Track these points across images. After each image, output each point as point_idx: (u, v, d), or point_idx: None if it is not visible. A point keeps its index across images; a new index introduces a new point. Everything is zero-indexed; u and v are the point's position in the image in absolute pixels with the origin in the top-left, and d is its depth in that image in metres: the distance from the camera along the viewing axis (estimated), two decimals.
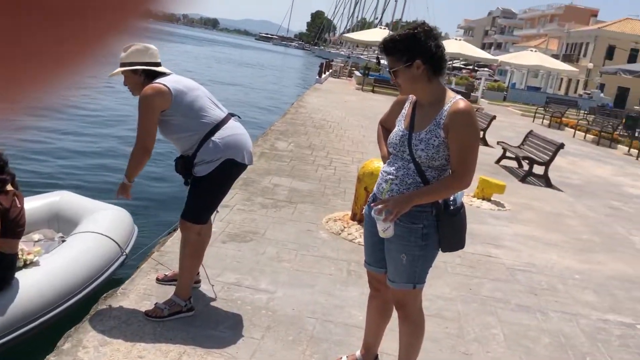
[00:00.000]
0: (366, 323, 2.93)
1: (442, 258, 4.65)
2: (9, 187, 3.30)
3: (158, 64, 3.24)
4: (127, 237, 4.50)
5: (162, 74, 3.23)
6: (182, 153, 3.27)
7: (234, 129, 3.30)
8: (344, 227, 5.17)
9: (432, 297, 3.94)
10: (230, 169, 3.27)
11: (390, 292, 2.64)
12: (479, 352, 3.30)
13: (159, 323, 3.10)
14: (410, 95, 2.62)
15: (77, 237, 4.15)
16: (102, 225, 4.31)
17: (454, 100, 2.44)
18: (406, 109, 2.62)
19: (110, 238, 4.22)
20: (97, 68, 0.34)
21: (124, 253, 4.33)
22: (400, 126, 2.58)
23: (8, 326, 3.18)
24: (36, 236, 4.40)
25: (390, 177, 2.53)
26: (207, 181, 3.20)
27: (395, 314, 2.74)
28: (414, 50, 2.38)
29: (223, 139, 3.19)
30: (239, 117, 3.47)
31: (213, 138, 3.17)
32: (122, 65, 3.17)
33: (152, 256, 4.09)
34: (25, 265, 3.58)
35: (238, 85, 27.24)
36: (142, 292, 3.45)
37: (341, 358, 2.94)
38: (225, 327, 3.15)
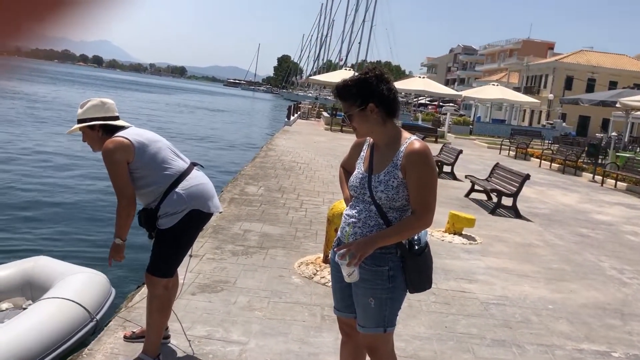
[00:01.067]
0: None
1: (417, 296, 4.63)
2: None
3: (116, 118, 3.22)
4: (99, 301, 4.25)
5: (121, 128, 3.21)
6: (145, 206, 3.22)
7: (197, 179, 3.27)
8: (317, 271, 5.12)
9: (408, 337, 3.89)
10: (196, 220, 3.23)
11: (361, 337, 2.60)
12: None
13: None
14: (367, 138, 2.65)
15: (40, 304, 3.92)
16: (70, 290, 4.08)
17: (410, 141, 2.47)
18: (364, 151, 2.64)
19: (77, 303, 3.98)
20: None
21: (94, 319, 4.07)
22: (359, 168, 2.60)
23: None
24: (4, 305, 4.24)
25: (353, 220, 2.53)
26: (172, 233, 3.15)
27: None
28: (367, 94, 2.42)
29: (187, 189, 3.16)
30: (201, 166, 3.45)
31: (177, 189, 3.13)
32: (80, 121, 3.15)
33: (119, 313, 3.97)
34: None
35: (207, 132, 27.26)
36: (109, 352, 3.33)
37: None
38: None
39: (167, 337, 3.51)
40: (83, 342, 3.84)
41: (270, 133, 25.93)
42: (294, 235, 6.50)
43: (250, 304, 4.28)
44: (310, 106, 36.97)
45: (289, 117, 27.18)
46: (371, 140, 2.61)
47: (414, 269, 2.48)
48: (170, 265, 3.25)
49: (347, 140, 20.59)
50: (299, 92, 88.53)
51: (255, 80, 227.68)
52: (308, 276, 5.04)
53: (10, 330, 3.49)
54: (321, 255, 5.50)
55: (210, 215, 3.32)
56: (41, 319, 3.67)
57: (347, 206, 2.68)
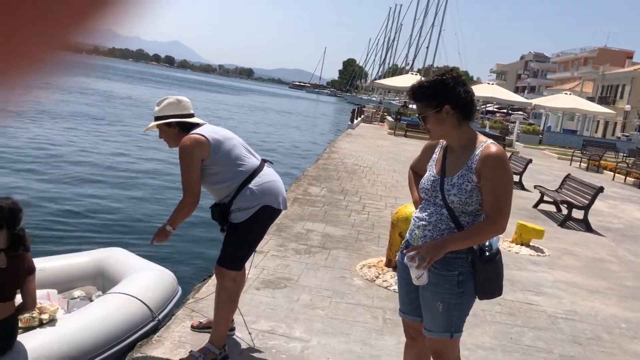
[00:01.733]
0: None
1: (481, 306, 4.53)
2: (1, 245, 3.04)
3: (191, 115, 3.32)
4: (163, 301, 4.28)
5: (196, 125, 3.31)
6: (218, 201, 3.31)
7: (269, 176, 3.34)
8: (379, 274, 5.10)
9: (472, 346, 3.82)
10: (266, 216, 3.29)
11: (427, 341, 2.58)
12: None
13: None
14: (440, 140, 2.62)
15: (107, 298, 4.01)
16: (137, 287, 4.14)
17: (486, 144, 2.43)
18: (437, 153, 2.61)
19: (141, 301, 4.02)
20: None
21: (156, 318, 4.10)
22: (431, 171, 2.57)
23: None
24: (76, 293, 4.38)
25: (423, 223, 2.51)
26: (243, 228, 3.22)
27: None
28: (443, 96, 2.40)
29: (259, 186, 3.23)
30: (271, 162, 3.52)
31: (250, 185, 3.21)
32: (157, 119, 3.26)
33: (186, 303, 4.10)
34: (41, 324, 3.50)
35: (272, 133, 27.69)
36: (176, 340, 3.45)
37: None
38: None
39: (232, 329, 3.59)
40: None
41: (333, 136, 26.05)
42: (356, 238, 6.50)
43: (312, 302, 4.32)
44: (374, 110, 36.86)
45: (352, 120, 27.20)
46: (444, 142, 2.59)
47: (484, 276, 2.44)
48: (240, 258, 3.33)
49: (411, 145, 20.44)
50: (362, 96, 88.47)
51: (320, 83, 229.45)
52: (370, 279, 5.02)
53: (76, 321, 3.62)
54: (383, 259, 5.48)
55: (279, 211, 3.37)
56: (105, 314, 3.76)
57: (416, 209, 2.66)
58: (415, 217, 2.57)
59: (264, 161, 3.44)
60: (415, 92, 2.48)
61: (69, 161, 12.18)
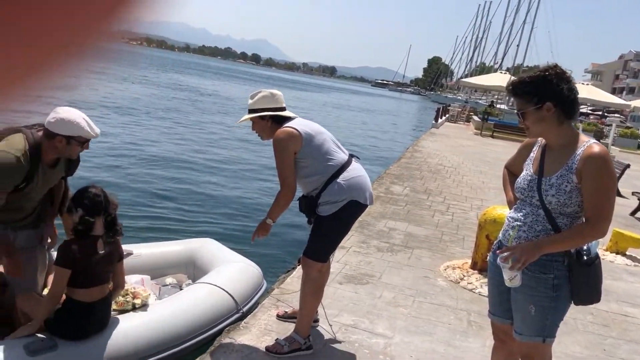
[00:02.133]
0: None
1: (572, 314, 4.33)
2: (98, 232, 3.16)
3: (283, 109, 3.41)
4: (248, 294, 4.32)
5: (288, 118, 3.39)
6: (306, 194, 3.38)
7: (356, 171, 3.36)
8: (464, 276, 5.01)
9: (562, 354, 3.67)
10: (353, 210, 3.32)
11: (517, 345, 2.51)
12: None
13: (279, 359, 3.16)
14: (539, 139, 2.53)
15: (195, 287, 4.13)
16: (225, 279, 4.22)
17: (588, 144, 2.33)
18: (534, 152, 2.53)
19: (226, 292, 4.09)
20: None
21: (241, 310, 4.13)
22: (528, 170, 2.50)
23: None
24: (168, 280, 4.57)
25: (518, 223, 2.44)
26: (330, 221, 3.27)
27: None
28: (545, 93, 2.31)
29: (347, 180, 3.26)
30: (358, 157, 3.54)
31: (338, 180, 3.24)
32: (251, 111, 3.37)
33: (271, 293, 4.22)
34: (134, 308, 3.68)
35: (353, 130, 27.75)
36: (263, 327, 3.56)
37: None
38: None
39: (317, 320, 3.66)
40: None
41: (416, 135, 25.72)
42: (439, 238, 6.41)
43: (395, 300, 4.31)
44: (460, 109, 36.02)
45: (436, 120, 26.73)
46: (543, 141, 2.50)
47: (581, 280, 2.34)
48: (326, 250, 3.38)
49: (498, 146, 19.80)
50: (447, 95, 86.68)
51: (403, 81, 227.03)
52: (454, 280, 4.94)
53: (166, 308, 3.76)
54: (469, 261, 5.37)
55: (365, 206, 3.38)
56: (193, 303, 3.87)
57: (510, 209, 2.59)
58: (510, 217, 2.51)
59: (351, 156, 3.48)
60: (516, 87, 2.41)
61: (165, 155, 12.79)
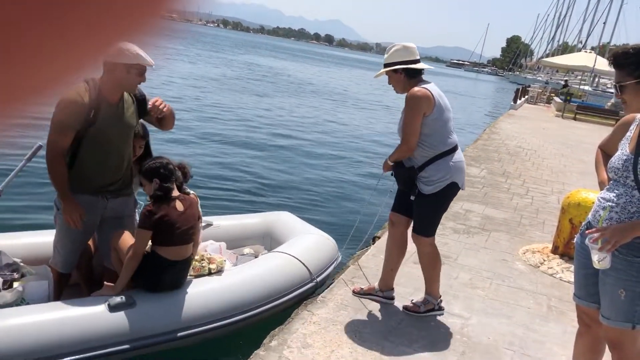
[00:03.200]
0: (575, 355, 2.72)
1: None
2: (175, 193, 3.39)
3: (417, 61, 3.46)
4: (322, 264, 4.35)
5: (420, 72, 3.48)
6: (406, 164, 3.41)
7: (460, 156, 3.50)
8: (544, 260, 4.86)
9: None
10: (452, 192, 3.45)
11: (604, 330, 2.42)
12: None
13: (355, 334, 3.22)
14: (637, 116, 2.41)
15: (270, 256, 4.24)
16: (299, 249, 4.30)
17: None
18: (632, 131, 2.41)
19: (301, 262, 4.15)
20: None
21: (314, 280, 4.17)
22: (624, 149, 2.38)
23: (175, 325, 3.35)
24: (246, 250, 4.72)
25: (610, 204, 2.34)
26: (432, 199, 3.41)
27: (608, 354, 2.50)
28: None
29: (455, 163, 3.39)
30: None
31: (447, 159, 3.35)
32: (385, 66, 3.46)
33: (347, 270, 4.27)
34: (210, 273, 3.83)
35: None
36: (339, 302, 3.62)
37: None
38: (420, 347, 3.16)
39: (392, 298, 3.69)
40: (304, 299, 4.01)
41: (493, 116, 24.93)
42: (518, 222, 6.24)
43: (472, 282, 4.25)
44: (540, 90, 34.54)
45: (515, 101, 25.79)
46: None
47: None
48: (433, 226, 3.55)
49: (581, 129, 18.91)
50: (527, 75, 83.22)
51: (480, 61, 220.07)
52: (534, 264, 4.81)
53: (240, 273, 3.89)
54: (549, 245, 5.20)
55: (458, 191, 3.48)
56: (267, 270, 3.97)
57: (601, 190, 2.50)
58: (601, 197, 2.41)
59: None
60: (618, 58, 2.30)
61: (246, 134, 13.12)
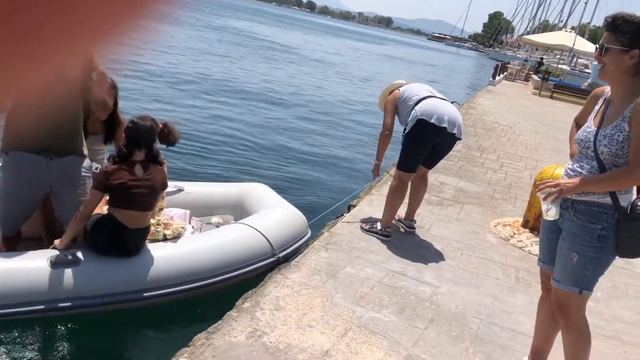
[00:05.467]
0: (535, 327, 2.82)
1: (624, 279, 4.28)
2: (138, 158, 3.34)
3: None
4: (287, 240, 4.28)
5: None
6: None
7: (432, 101, 4.21)
8: (514, 234, 4.96)
9: (610, 317, 3.64)
10: (421, 127, 4.09)
11: (553, 293, 2.51)
12: None
13: (327, 298, 3.26)
14: (605, 90, 2.47)
15: (231, 227, 4.17)
16: (264, 222, 4.21)
17: None
18: (599, 105, 2.49)
19: (263, 235, 4.08)
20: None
21: (276, 255, 4.12)
22: (589, 122, 2.48)
23: (127, 287, 3.35)
24: (214, 219, 4.63)
25: (574, 174, 2.42)
26: (405, 137, 4.22)
27: None
28: (638, 40, 2.24)
29: (420, 106, 4.16)
30: (455, 102, 4.50)
31: (416, 107, 4.18)
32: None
33: (322, 236, 4.30)
34: (165, 239, 3.78)
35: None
36: (312, 267, 3.65)
37: None
38: (390, 312, 3.22)
39: (389, 235, 4.38)
40: (264, 273, 3.85)
41: (472, 92, 25.05)
42: (491, 196, 6.33)
43: (443, 252, 4.33)
44: (519, 67, 34.72)
45: (494, 77, 25.90)
46: (608, 94, 2.45)
47: (628, 234, 2.31)
48: (403, 161, 4.30)
49: (557, 107, 19.13)
50: (507, 52, 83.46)
51: (461, 36, 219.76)
52: (504, 237, 4.91)
53: (196, 242, 3.83)
54: (520, 219, 5.30)
55: (438, 128, 4.06)
56: (225, 241, 3.90)
57: (570, 161, 2.57)
58: (568, 168, 2.50)
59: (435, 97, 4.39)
60: (614, 22, 2.31)
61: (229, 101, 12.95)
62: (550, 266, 2.60)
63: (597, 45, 2.37)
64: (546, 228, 2.60)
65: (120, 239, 3.33)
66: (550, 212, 2.41)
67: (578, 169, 2.42)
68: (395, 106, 4.42)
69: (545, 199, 2.39)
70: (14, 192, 3.29)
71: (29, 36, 0.26)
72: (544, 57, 39.12)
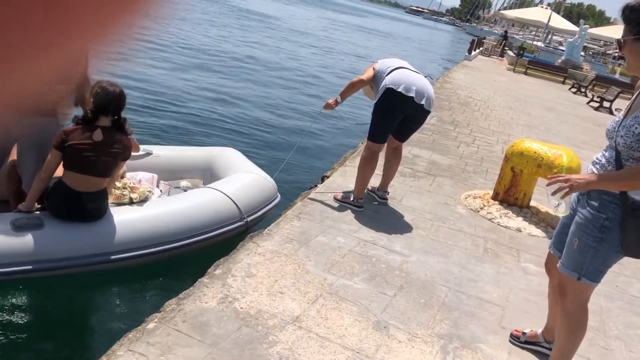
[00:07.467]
0: (549, 302, 2.88)
1: None
2: (102, 123, 3.33)
3: None
4: (256, 204, 4.29)
5: None
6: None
7: (401, 72, 4.24)
8: (484, 206, 5.05)
9: None
10: (389, 96, 4.12)
11: (557, 275, 2.55)
12: (621, 349, 3.11)
13: (299, 266, 3.29)
14: None
15: (199, 191, 4.13)
16: (232, 186, 4.18)
17: None
18: (635, 94, 2.41)
19: (231, 199, 4.06)
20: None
21: (244, 219, 4.11)
22: (619, 112, 2.44)
23: (91, 250, 3.35)
24: (183, 183, 4.60)
25: (595, 161, 2.43)
26: (376, 106, 4.24)
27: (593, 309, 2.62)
28: None
29: (390, 76, 4.19)
30: (428, 76, 4.55)
31: (386, 77, 4.21)
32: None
33: (295, 206, 4.32)
34: (131, 202, 3.77)
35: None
36: (285, 236, 3.67)
37: (523, 331, 2.93)
38: (360, 280, 3.26)
39: (361, 206, 4.42)
40: (235, 239, 3.92)
41: (447, 66, 25.11)
42: (463, 169, 6.41)
43: (414, 222, 4.39)
44: (495, 43, 34.87)
45: (469, 52, 25.97)
46: None
47: (633, 230, 2.27)
48: (372, 131, 4.31)
49: (531, 83, 19.34)
50: (483, 27, 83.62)
51: (439, 10, 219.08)
52: (474, 209, 4.99)
53: (163, 205, 3.80)
54: (490, 192, 5.39)
55: (406, 97, 4.08)
56: (192, 204, 3.88)
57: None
58: (594, 157, 2.48)
59: (405, 68, 4.44)
60: (623, 13, 2.27)
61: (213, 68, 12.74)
62: (555, 250, 2.66)
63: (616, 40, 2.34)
64: (564, 217, 2.61)
65: (74, 203, 3.31)
66: (560, 208, 2.38)
67: (600, 158, 2.40)
68: (374, 74, 4.40)
69: (554, 193, 2.34)
70: None
71: (26, 37, 0.26)
72: (505, 29, 39.19)
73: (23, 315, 3.08)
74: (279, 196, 4.66)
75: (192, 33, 17.87)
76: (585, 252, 2.35)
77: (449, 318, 3.05)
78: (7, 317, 3.03)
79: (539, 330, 2.91)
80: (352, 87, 4.43)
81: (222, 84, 11.34)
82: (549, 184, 2.37)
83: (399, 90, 4.09)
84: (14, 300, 3.13)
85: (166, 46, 14.03)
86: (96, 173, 3.35)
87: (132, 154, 3.62)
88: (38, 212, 3.33)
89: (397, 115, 4.24)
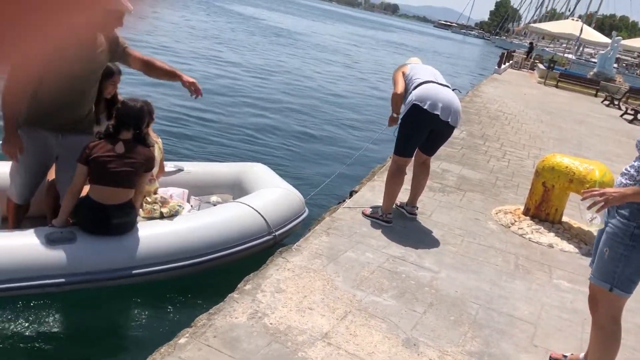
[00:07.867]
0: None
1: None
2: (124, 137, 3.40)
3: None
4: (284, 219, 4.31)
5: None
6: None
7: (429, 87, 4.19)
8: (515, 221, 4.98)
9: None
10: (416, 113, 4.12)
11: (590, 287, 2.51)
12: None
13: (328, 282, 3.30)
14: None
15: (228, 205, 4.19)
16: (260, 201, 4.23)
17: None
18: None
19: (259, 214, 4.10)
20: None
21: (273, 233, 4.14)
22: None
23: (121, 264, 3.40)
24: (213, 198, 4.68)
25: (625, 171, 2.41)
26: (402, 120, 4.26)
27: (625, 325, 2.57)
28: None
29: (417, 91, 4.17)
30: (456, 89, 4.55)
31: (414, 90, 4.19)
32: None
33: (323, 221, 4.33)
34: (162, 217, 3.83)
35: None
36: (314, 251, 3.69)
37: (563, 354, 2.85)
38: (389, 296, 3.25)
39: (390, 222, 4.40)
40: (263, 253, 3.95)
41: (477, 79, 24.93)
42: (493, 183, 6.35)
43: (443, 238, 4.36)
44: (525, 56, 34.49)
45: (499, 65, 25.72)
46: None
47: None
48: (398, 146, 4.33)
49: (562, 96, 19.04)
50: (513, 40, 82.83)
51: (468, 24, 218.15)
52: (505, 224, 4.93)
53: (193, 219, 3.87)
54: (521, 207, 5.32)
55: (431, 114, 4.09)
56: (222, 219, 3.92)
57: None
58: (626, 167, 2.47)
59: (443, 85, 4.43)
60: None
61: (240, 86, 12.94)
62: (592, 262, 2.61)
63: None
64: (600, 231, 2.58)
65: (99, 217, 3.38)
66: (595, 222, 2.36)
67: (627, 169, 2.38)
68: (404, 79, 4.41)
69: (589, 207, 2.33)
70: (26, 160, 3.41)
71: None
72: (531, 41, 38.73)
73: (55, 329, 3.15)
74: (307, 210, 4.69)
75: (224, 51, 18.16)
76: (616, 262, 2.32)
77: (479, 336, 3.01)
78: (40, 330, 3.10)
79: (581, 355, 2.84)
80: (396, 101, 4.42)
81: (252, 102, 11.47)
82: (583, 199, 2.35)
83: (425, 107, 4.08)
84: (44, 314, 3.21)
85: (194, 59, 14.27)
86: (120, 184, 3.41)
87: (165, 170, 3.70)
88: (71, 227, 3.41)
89: (423, 131, 4.27)
